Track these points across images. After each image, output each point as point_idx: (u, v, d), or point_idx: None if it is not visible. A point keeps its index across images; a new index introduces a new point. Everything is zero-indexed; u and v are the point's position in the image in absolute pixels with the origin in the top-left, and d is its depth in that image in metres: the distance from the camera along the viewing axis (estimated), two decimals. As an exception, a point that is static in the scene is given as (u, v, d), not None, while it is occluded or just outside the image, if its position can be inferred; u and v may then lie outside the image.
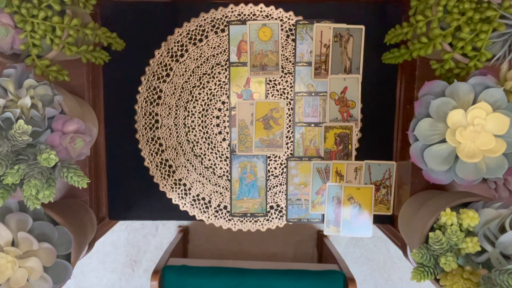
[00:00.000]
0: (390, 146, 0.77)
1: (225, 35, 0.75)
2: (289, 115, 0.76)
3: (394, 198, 0.76)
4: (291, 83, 0.75)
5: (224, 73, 0.75)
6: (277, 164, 0.77)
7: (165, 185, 0.78)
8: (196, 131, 0.77)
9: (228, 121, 0.76)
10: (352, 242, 1.67)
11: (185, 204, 0.78)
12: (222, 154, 0.77)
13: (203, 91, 0.76)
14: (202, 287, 0.79)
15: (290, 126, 0.76)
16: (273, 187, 0.78)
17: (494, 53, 0.57)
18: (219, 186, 0.78)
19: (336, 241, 1.64)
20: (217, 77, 0.76)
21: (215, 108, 0.76)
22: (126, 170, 0.78)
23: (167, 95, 0.76)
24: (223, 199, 0.78)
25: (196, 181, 0.78)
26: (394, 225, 0.77)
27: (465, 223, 0.54)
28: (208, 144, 0.77)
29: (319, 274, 0.82)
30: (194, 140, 0.77)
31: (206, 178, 0.78)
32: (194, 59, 0.75)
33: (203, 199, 0.79)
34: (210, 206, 0.79)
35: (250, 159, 0.77)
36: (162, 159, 0.77)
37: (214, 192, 0.78)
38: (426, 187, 0.73)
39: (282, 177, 0.78)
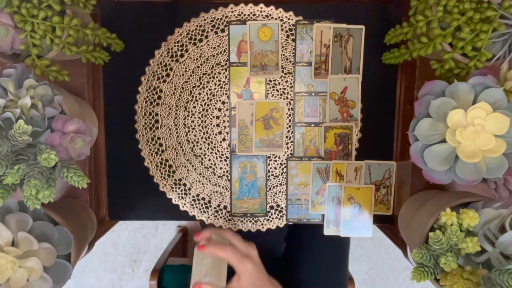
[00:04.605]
0: (390, 146, 0.77)
1: (225, 35, 0.75)
2: (289, 115, 0.76)
3: (394, 198, 0.76)
4: (291, 83, 0.75)
5: (224, 73, 0.75)
6: (277, 164, 0.77)
7: (165, 185, 0.78)
8: (196, 131, 0.77)
9: (228, 121, 0.76)
10: (352, 242, 1.67)
11: (185, 204, 0.78)
12: (222, 154, 0.77)
13: (203, 91, 0.76)
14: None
15: (290, 126, 0.76)
16: (273, 187, 0.78)
17: (494, 53, 0.57)
18: (219, 186, 0.78)
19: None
20: (217, 77, 0.76)
21: (215, 108, 0.76)
22: (126, 170, 0.78)
23: (167, 95, 0.76)
24: (223, 199, 0.78)
25: (196, 181, 0.78)
26: (394, 225, 0.77)
27: (465, 223, 0.54)
28: (208, 144, 0.77)
29: (319, 274, 0.82)
30: (194, 140, 0.77)
31: (206, 178, 0.78)
32: (194, 59, 0.75)
33: (203, 199, 0.79)
34: (210, 206, 0.79)
35: (250, 159, 0.77)
36: (162, 159, 0.77)
37: (214, 192, 0.78)
38: (426, 187, 0.73)
39: (282, 177, 0.78)
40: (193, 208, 0.79)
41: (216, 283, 0.63)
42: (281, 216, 0.79)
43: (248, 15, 0.74)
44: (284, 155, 0.77)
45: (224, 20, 0.74)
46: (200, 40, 0.75)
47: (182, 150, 0.77)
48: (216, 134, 0.77)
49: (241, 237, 0.68)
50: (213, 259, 0.65)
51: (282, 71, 0.75)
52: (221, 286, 0.63)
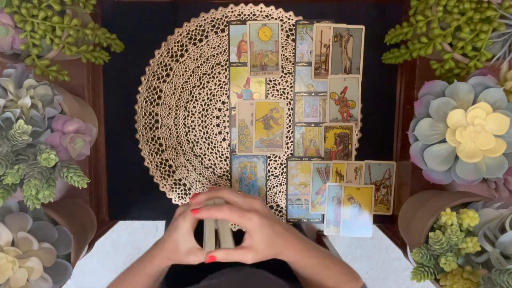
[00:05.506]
0: (390, 146, 0.77)
1: (225, 35, 0.75)
2: (289, 115, 0.76)
3: (394, 198, 0.76)
4: (291, 83, 0.75)
5: (224, 73, 0.75)
6: (277, 164, 0.77)
7: (165, 185, 0.78)
8: (196, 131, 0.77)
9: (228, 121, 0.76)
10: (353, 242, 1.67)
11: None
12: (222, 154, 0.77)
13: (203, 91, 0.76)
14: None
15: (290, 126, 0.76)
16: (273, 187, 0.78)
17: (494, 53, 0.57)
18: (219, 186, 0.78)
19: (337, 241, 1.64)
20: (217, 77, 0.76)
21: (215, 108, 0.76)
22: (126, 170, 0.78)
23: (167, 95, 0.76)
24: (223, 199, 0.78)
25: (196, 181, 0.78)
26: (394, 225, 0.77)
27: (465, 223, 0.54)
28: (208, 144, 0.77)
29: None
30: (194, 140, 0.77)
31: (206, 178, 0.78)
32: (194, 59, 0.75)
33: (203, 199, 0.79)
34: (210, 206, 0.79)
35: (250, 159, 0.77)
36: (162, 159, 0.77)
37: (214, 192, 0.78)
38: (426, 187, 0.73)
39: (282, 177, 0.78)
40: (193, 208, 0.78)
41: (224, 247, 0.57)
42: (281, 216, 0.79)
43: (248, 15, 0.74)
44: (284, 155, 0.77)
45: (224, 20, 0.74)
46: (200, 40, 0.75)
47: (182, 150, 0.77)
48: (216, 134, 0.77)
49: (239, 192, 0.62)
50: (212, 223, 0.59)
51: (282, 71, 0.75)
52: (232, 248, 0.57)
